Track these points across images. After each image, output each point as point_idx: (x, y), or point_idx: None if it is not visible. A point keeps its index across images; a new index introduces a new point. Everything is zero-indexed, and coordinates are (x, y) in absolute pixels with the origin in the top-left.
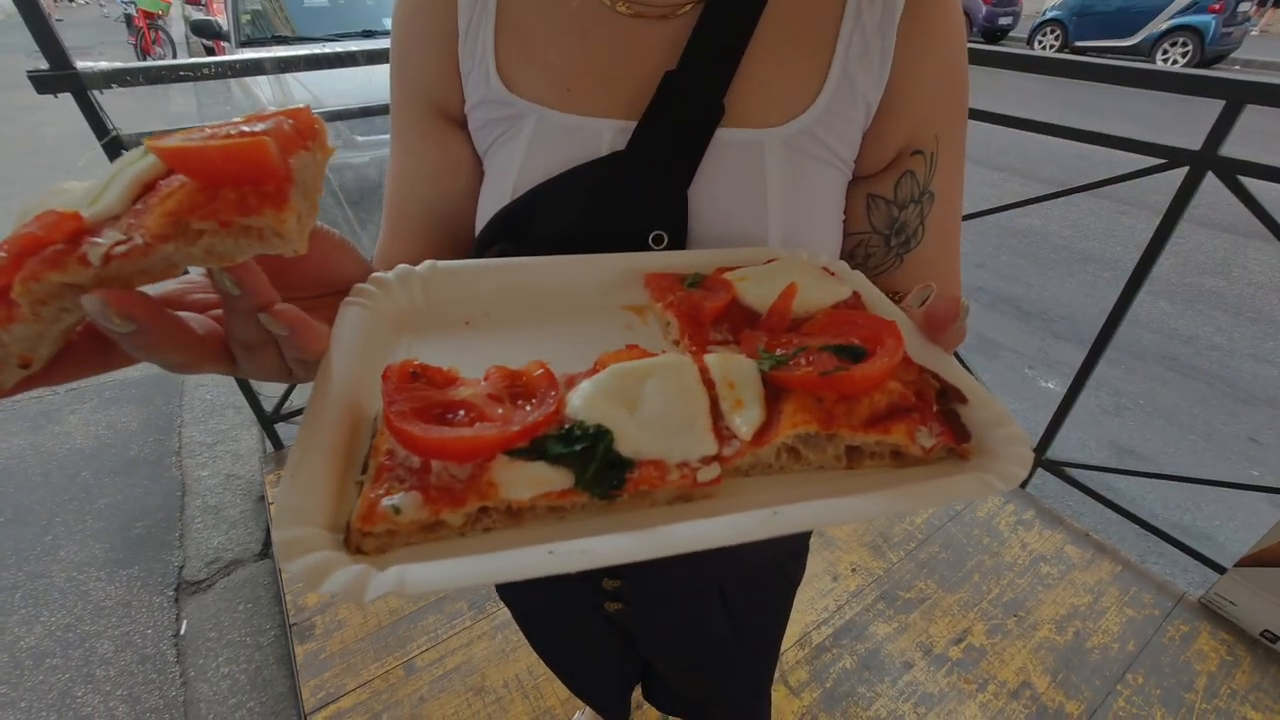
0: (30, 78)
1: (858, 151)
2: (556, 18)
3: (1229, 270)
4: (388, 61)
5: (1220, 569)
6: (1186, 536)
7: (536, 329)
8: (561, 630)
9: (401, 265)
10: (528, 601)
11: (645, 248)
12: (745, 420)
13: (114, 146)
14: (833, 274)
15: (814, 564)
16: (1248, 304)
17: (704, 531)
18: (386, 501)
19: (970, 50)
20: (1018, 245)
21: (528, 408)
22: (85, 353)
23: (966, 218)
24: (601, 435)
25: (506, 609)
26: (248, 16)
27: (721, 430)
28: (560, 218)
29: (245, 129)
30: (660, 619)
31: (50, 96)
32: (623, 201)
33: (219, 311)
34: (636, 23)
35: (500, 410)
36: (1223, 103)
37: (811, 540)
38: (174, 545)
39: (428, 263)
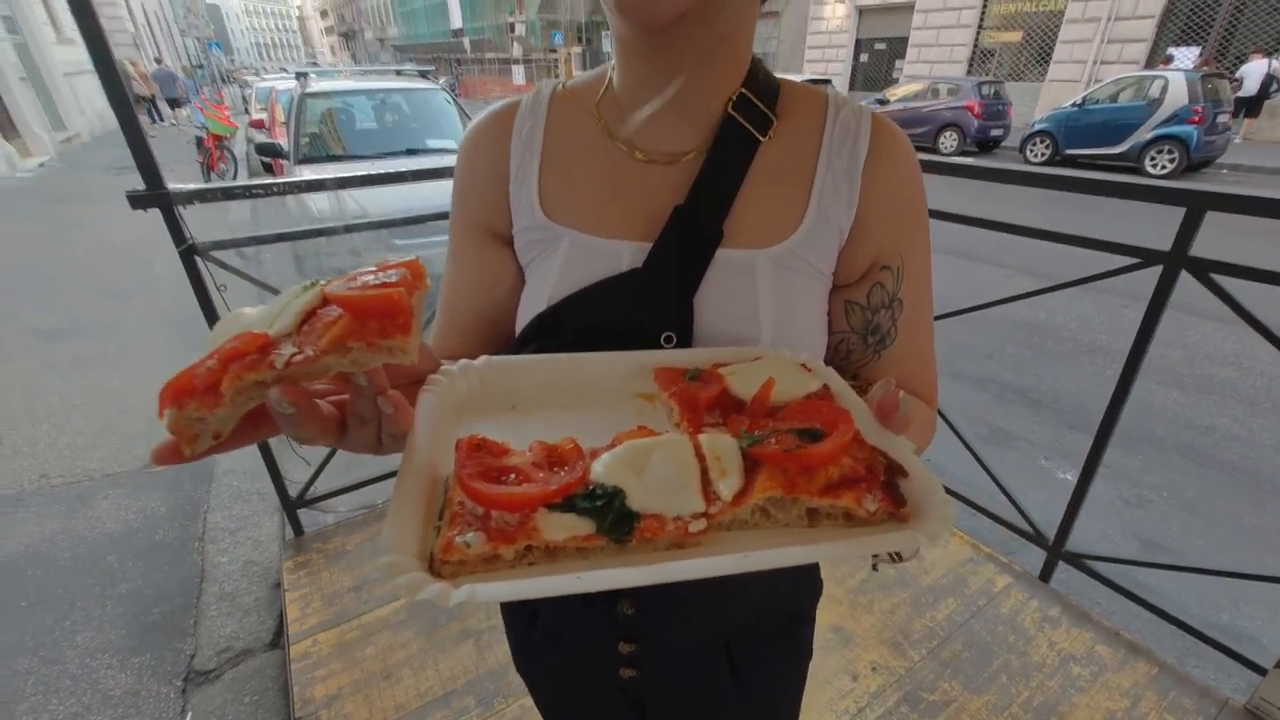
0: (128, 196)
1: (835, 265)
2: (588, 162)
3: (1240, 361)
4: (432, 179)
5: (1261, 670)
6: (1225, 636)
7: (567, 412)
8: (576, 708)
9: (463, 360)
10: (546, 675)
11: (657, 346)
12: (727, 486)
13: (189, 254)
14: (808, 370)
15: (832, 662)
16: (1263, 395)
17: (691, 567)
18: (459, 538)
19: (942, 162)
20: (1025, 338)
21: (561, 473)
22: (248, 427)
23: (968, 310)
24: (616, 494)
25: (513, 705)
26: (306, 139)
27: (709, 493)
28: (588, 321)
29: (384, 278)
30: (672, 682)
31: (111, 206)
32: (639, 309)
33: (337, 397)
34: (651, 167)
35: (541, 475)
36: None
37: (829, 636)
38: (188, 632)
39: (483, 358)
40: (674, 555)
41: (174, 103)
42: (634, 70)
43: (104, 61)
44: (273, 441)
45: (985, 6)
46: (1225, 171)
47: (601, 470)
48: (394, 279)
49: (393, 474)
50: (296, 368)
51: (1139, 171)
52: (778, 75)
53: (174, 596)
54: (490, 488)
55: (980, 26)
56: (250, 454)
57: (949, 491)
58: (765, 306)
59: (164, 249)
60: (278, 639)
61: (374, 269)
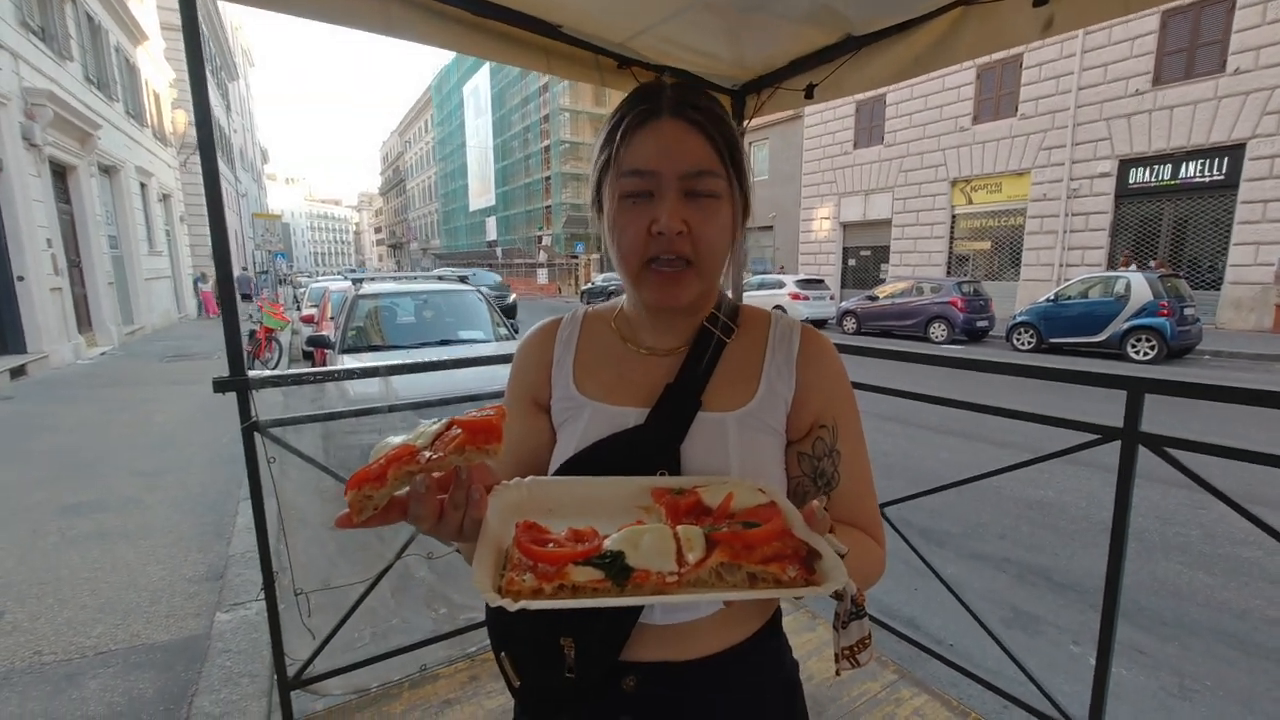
0: (214, 382)
1: (786, 426)
2: (606, 356)
3: (1261, 540)
4: (467, 367)
5: None
6: None
7: (588, 515)
8: None
9: (516, 478)
10: None
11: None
12: (693, 555)
13: (251, 429)
14: (763, 491)
15: None
16: None
17: (667, 600)
18: (519, 577)
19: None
20: (1036, 516)
21: (583, 545)
22: (394, 512)
23: (973, 478)
24: (619, 555)
25: None
26: (353, 333)
27: (681, 560)
28: (605, 462)
29: (489, 412)
30: None
31: (158, 390)
32: (640, 454)
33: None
34: (650, 358)
35: (570, 545)
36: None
37: None
38: None
39: (531, 477)
40: (656, 598)
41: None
42: (642, 314)
43: (227, 279)
44: (281, 614)
45: (954, 222)
46: (1208, 357)
47: (610, 543)
48: (491, 413)
49: (391, 654)
50: (433, 463)
51: (1123, 357)
52: (775, 276)
53: None
54: (536, 548)
55: (952, 237)
56: (249, 632)
57: (976, 679)
58: (734, 453)
59: (199, 432)
60: None
61: (477, 411)
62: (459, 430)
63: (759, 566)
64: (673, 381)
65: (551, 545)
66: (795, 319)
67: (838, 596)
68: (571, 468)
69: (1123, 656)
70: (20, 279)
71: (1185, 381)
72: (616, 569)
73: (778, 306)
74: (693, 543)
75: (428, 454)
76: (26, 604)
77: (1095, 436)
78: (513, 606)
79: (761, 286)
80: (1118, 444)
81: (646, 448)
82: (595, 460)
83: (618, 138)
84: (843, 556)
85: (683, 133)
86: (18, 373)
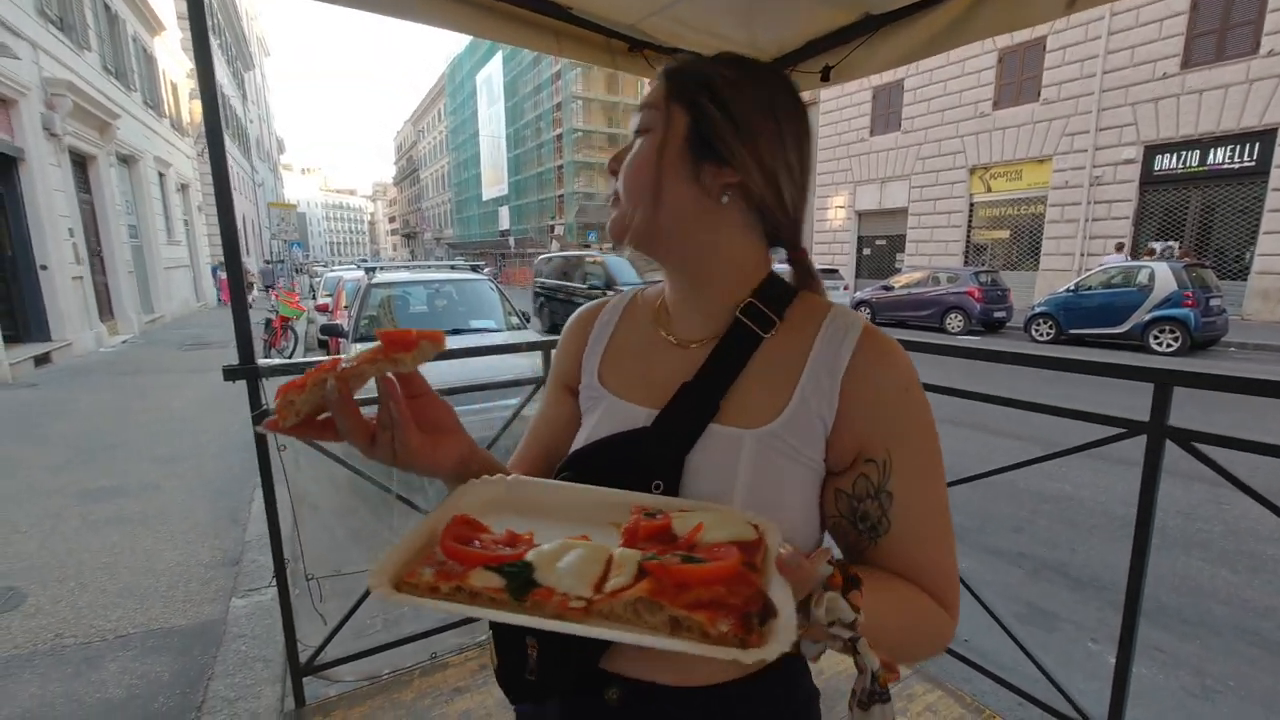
0: (223, 370)
1: (824, 454)
2: (637, 346)
3: None
4: (478, 356)
5: None
6: None
7: (559, 523)
8: None
9: (498, 475)
10: None
11: (648, 490)
12: (613, 583)
13: (262, 417)
14: (756, 527)
15: None
16: None
17: (546, 622)
18: (420, 569)
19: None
20: (1052, 510)
21: (509, 550)
22: (317, 426)
23: (976, 478)
24: (526, 566)
25: None
26: (366, 321)
27: (599, 587)
28: (604, 462)
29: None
30: None
31: (177, 377)
32: (639, 462)
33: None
34: (676, 349)
35: (498, 549)
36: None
37: None
38: None
39: (514, 476)
40: (553, 623)
41: (249, 288)
42: (673, 293)
43: (236, 267)
44: (294, 601)
45: (971, 211)
46: (1234, 349)
47: (533, 555)
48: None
49: (402, 641)
50: (349, 370)
51: (1144, 349)
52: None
53: None
54: (454, 545)
55: (970, 226)
56: (263, 617)
57: (991, 676)
58: (742, 477)
59: (215, 418)
60: None
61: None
62: (379, 345)
63: (684, 611)
64: (689, 381)
65: (476, 544)
66: (857, 316)
67: (858, 668)
68: (570, 465)
69: (1142, 655)
70: (43, 268)
71: (1214, 374)
72: (519, 581)
73: None
74: (623, 569)
75: (345, 364)
76: (49, 588)
77: (1120, 430)
78: (385, 598)
79: None
80: (1141, 438)
81: (647, 455)
82: (593, 461)
83: None
84: (851, 624)
85: (654, 86)
86: (42, 360)
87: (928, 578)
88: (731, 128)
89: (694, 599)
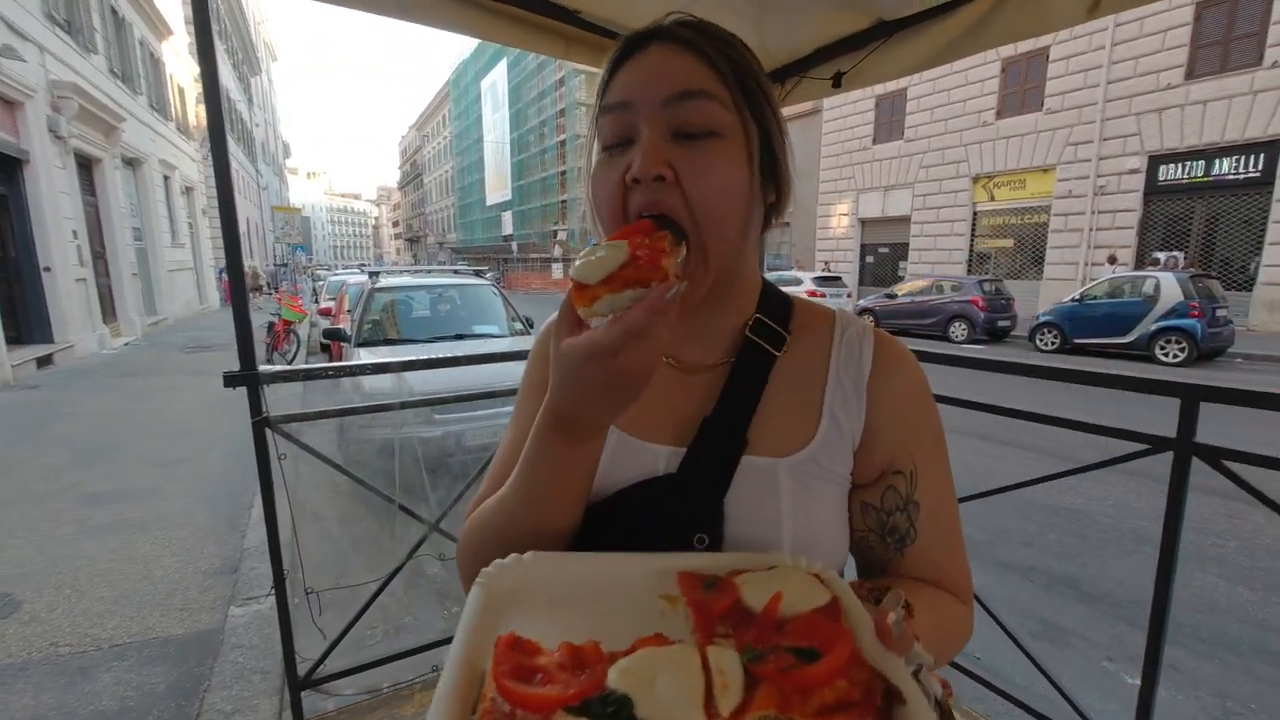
0: (224, 376)
1: (852, 466)
2: None
3: None
4: (482, 363)
5: None
6: None
7: (598, 605)
8: None
9: (513, 555)
10: None
11: (690, 545)
12: (726, 703)
13: (262, 425)
14: (821, 580)
15: None
16: None
17: None
18: None
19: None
20: (1063, 524)
21: (582, 676)
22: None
23: (993, 492)
24: (625, 703)
25: None
26: (369, 325)
27: (711, 709)
28: (630, 521)
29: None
30: None
31: (178, 380)
32: (674, 511)
33: None
34: (685, 376)
35: (565, 676)
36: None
37: None
38: None
39: (530, 553)
40: None
41: (258, 291)
42: None
43: (237, 271)
44: (292, 611)
45: (975, 219)
46: (1240, 360)
47: (616, 677)
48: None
49: (403, 654)
50: (626, 278)
51: (1150, 359)
52: (794, 272)
53: None
54: (519, 686)
55: (973, 235)
56: (262, 627)
57: (1006, 697)
58: (786, 511)
59: (217, 422)
60: None
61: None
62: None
63: None
64: (711, 414)
65: (539, 677)
66: (864, 322)
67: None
68: (591, 519)
69: (1162, 674)
70: (47, 270)
71: (1244, 390)
72: None
73: None
74: (728, 682)
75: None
76: (44, 594)
77: (1145, 447)
78: None
79: (777, 284)
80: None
81: (681, 504)
82: (619, 515)
83: (603, 81)
84: (917, 674)
85: (670, 54)
86: (44, 362)
87: (950, 580)
88: (783, 141)
89: (820, 704)
